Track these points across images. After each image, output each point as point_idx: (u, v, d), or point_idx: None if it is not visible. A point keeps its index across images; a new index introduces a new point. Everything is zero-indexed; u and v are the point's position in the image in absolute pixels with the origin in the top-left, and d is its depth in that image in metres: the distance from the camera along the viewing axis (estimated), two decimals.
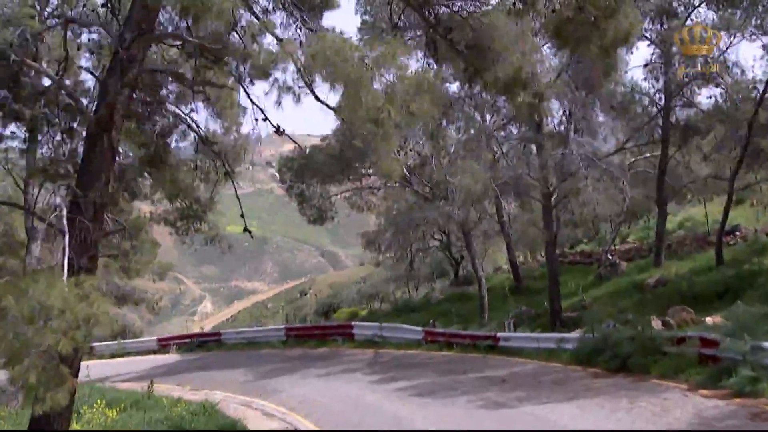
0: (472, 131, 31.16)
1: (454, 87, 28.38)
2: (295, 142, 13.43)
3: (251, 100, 11.62)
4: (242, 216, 13.44)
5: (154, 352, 31.87)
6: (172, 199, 26.41)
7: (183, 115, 25.45)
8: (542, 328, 23.48)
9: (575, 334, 20.11)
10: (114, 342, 33.73)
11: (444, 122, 29.45)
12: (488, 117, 30.27)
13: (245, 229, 14.36)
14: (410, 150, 32.63)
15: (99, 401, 16.14)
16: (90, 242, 10.12)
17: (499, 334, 22.14)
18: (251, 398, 18.40)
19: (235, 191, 25.80)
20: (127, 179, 24.68)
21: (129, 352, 32.33)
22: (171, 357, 29.88)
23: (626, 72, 26.50)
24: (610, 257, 31.93)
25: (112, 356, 32.30)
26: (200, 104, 26.38)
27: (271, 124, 11.90)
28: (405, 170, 30.41)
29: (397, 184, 30.79)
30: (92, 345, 33.91)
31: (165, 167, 27.07)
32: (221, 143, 26.53)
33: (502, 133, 30.44)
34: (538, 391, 15.69)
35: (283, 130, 11.08)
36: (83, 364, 31.08)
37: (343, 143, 28.74)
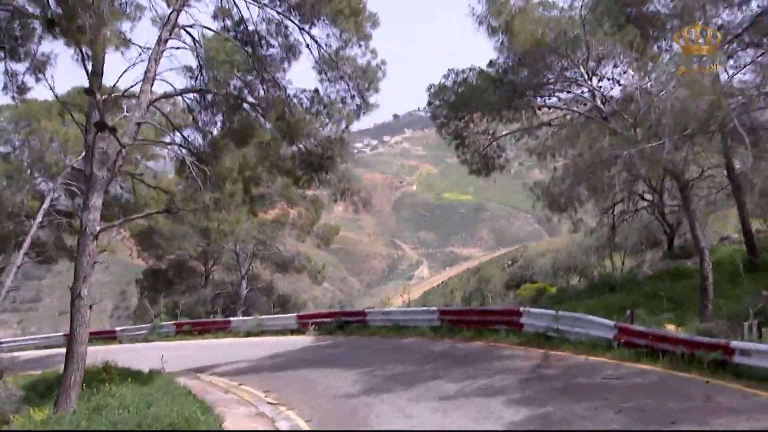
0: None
1: None
2: None
3: None
4: None
5: (292, 331, 26.81)
6: (291, 142, 20.90)
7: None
8: None
9: None
10: (251, 318, 29.35)
11: (654, 45, 21.11)
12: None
13: None
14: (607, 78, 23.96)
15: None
16: None
17: (733, 344, 13.59)
18: None
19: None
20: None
21: (264, 331, 27.65)
22: (303, 340, 24.59)
23: None
24: None
25: (248, 334, 27.87)
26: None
27: None
28: (600, 102, 22.22)
29: (588, 120, 22.42)
30: (228, 320, 29.98)
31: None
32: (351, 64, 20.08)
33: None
34: None
35: None
36: (192, 342, 26.30)
37: (511, 64, 21.31)
